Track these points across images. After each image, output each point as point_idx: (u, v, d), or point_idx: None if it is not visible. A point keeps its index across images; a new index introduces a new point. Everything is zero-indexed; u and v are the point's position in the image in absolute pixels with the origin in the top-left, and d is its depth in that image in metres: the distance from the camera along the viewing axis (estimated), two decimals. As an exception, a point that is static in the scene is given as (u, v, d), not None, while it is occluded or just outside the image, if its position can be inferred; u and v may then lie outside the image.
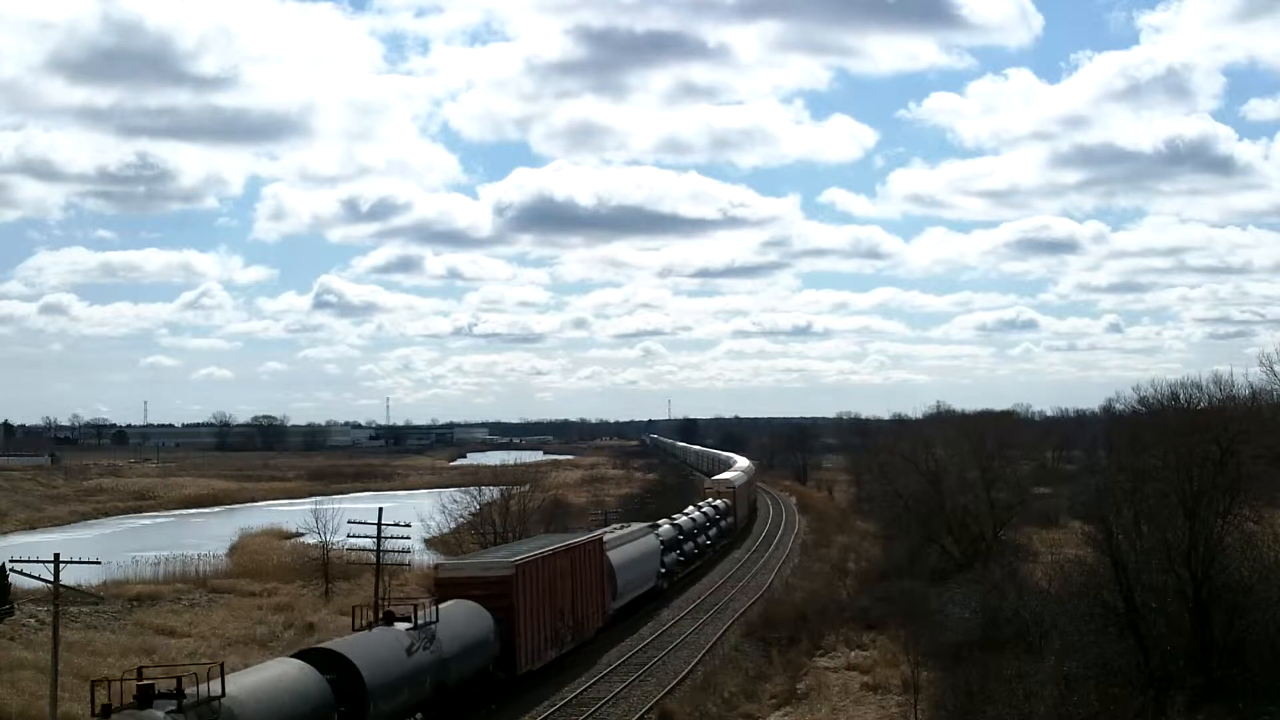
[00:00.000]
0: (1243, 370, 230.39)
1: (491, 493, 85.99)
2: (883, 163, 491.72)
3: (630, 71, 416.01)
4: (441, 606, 39.37)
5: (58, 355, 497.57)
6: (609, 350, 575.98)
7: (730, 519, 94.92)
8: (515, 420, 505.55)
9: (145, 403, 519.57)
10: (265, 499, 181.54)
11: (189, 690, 26.14)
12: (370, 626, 36.54)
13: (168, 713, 25.38)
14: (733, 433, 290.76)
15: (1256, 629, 34.68)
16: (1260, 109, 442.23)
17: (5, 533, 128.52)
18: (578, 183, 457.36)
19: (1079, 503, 71.30)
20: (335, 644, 34.30)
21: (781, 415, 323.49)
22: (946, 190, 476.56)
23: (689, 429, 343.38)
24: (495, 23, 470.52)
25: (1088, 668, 34.09)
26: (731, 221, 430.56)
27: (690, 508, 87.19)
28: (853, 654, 50.32)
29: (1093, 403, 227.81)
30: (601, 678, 46.73)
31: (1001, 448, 77.01)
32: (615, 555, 57.98)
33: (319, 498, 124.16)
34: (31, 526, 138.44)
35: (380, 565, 64.09)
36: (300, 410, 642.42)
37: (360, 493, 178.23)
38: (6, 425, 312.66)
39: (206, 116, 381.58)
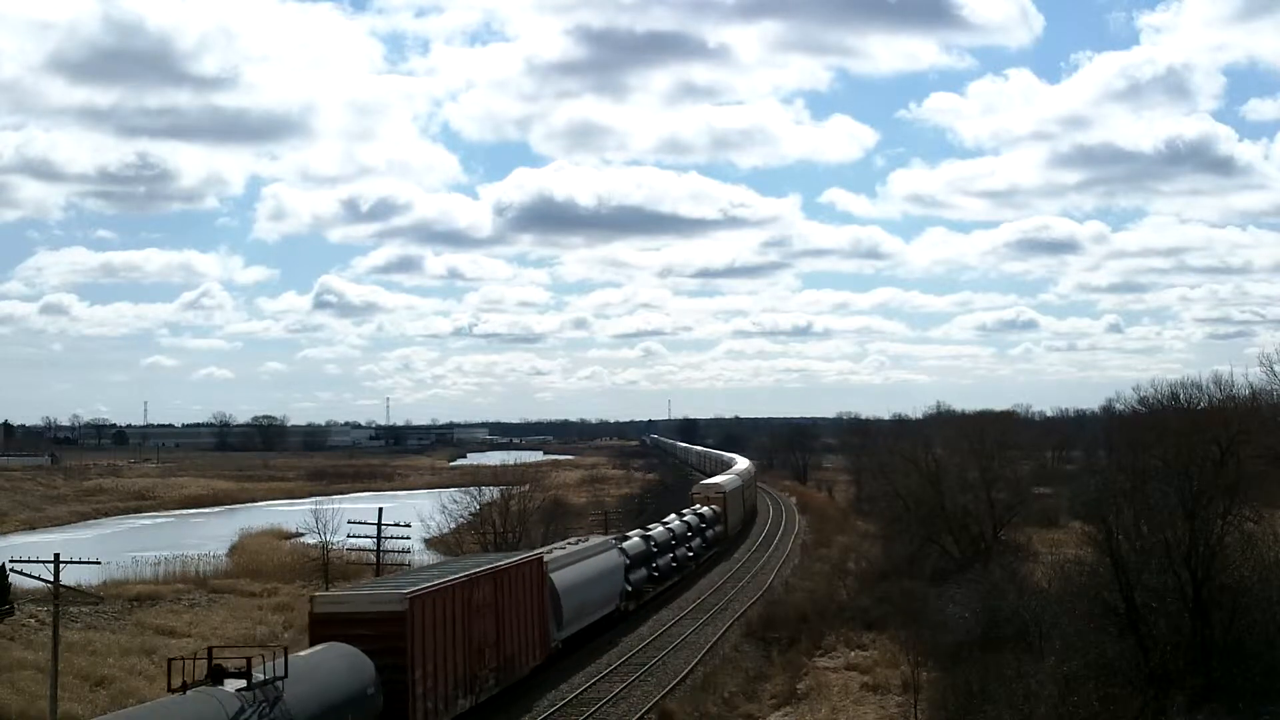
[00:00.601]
0: (1243, 370, 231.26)
1: (491, 493, 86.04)
2: (883, 163, 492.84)
3: (630, 71, 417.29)
4: (297, 656, 30.55)
5: (58, 355, 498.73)
6: (609, 350, 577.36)
7: (719, 527, 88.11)
8: (515, 420, 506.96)
9: (145, 403, 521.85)
10: (265, 499, 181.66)
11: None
12: (185, 688, 26.52)
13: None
14: (733, 433, 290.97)
15: (1256, 629, 34.68)
16: (1260, 109, 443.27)
17: (5, 533, 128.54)
18: (578, 183, 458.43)
19: (1079, 503, 71.02)
20: None
21: (781, 415, 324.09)
22: (947, 190, 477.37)
23: (689, 429, 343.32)
24: (495, 23, 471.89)
25: (1088, 668, 34.07)
26: (732, 221, 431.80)
27: (672, 515, 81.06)
28: (853, 654, 50.35)
29: (1093, 403, 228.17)
30: (602, 678, 46.72)
31: (1001, 448, 77.00)
32: (561, 577, 49.59)
33: (319, 498, 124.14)
34: (31, 527, 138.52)
35: (380, 565, 64.25)
36: (300, 410, 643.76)
37: (360, 493, 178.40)
38: (6, 425, 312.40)
39: (207, 117, 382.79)
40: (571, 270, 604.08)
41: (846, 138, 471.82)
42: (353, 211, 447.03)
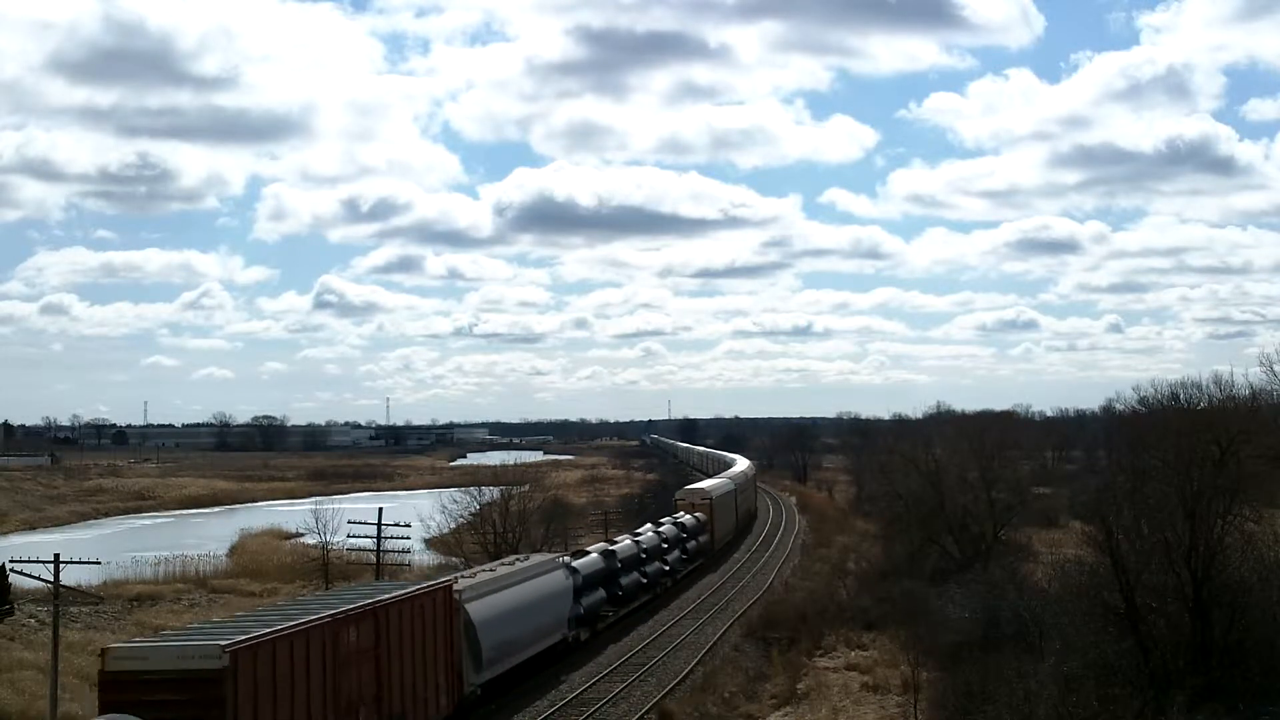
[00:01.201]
0: (1243, 370, 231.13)
1: (491, 493, 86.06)
2: (883, 163, 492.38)
3: (630, 71, 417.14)
4: None
5: (58, 355, 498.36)
6: (609, 350, 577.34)
7: (703, 537, 79.33)
8: (515, 420, 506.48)
9: (145, 403, 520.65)
10: (265, 499, 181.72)
11: None
12: None
13: None
14: (733, 433, 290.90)
15: (1256, 629, 34.69)
16: (1260, 109, 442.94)
17: (5, 533, 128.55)
18: (578, 183, 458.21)
19: (1079, 503, 71.33)
20: None
21: (781, 415, 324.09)
22: (947, 190, 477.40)
23: (689, 429, 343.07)
24: (495, 23, 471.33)
25: (1088, 668, 34.05)
26: (732, 221, 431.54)
27: (646, 526, 73.18)
28: (853, 654, 50.37)
29: (1093, 403, 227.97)
30: (602, 678, 46.72)
31: (1001, 448, 77.16)
32: (479, 608, 40.78)
33: (319, 498, 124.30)
34: (31, 527, 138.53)
35: (380, 565, 64.31)
36: (300, 410, 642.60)
37: (360, 493, 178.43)
38: (6, 425, 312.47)
39: (207, 117, 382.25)
40: (571, 270, 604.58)
41: (847, 138, 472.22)
42: (353, 211, 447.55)
